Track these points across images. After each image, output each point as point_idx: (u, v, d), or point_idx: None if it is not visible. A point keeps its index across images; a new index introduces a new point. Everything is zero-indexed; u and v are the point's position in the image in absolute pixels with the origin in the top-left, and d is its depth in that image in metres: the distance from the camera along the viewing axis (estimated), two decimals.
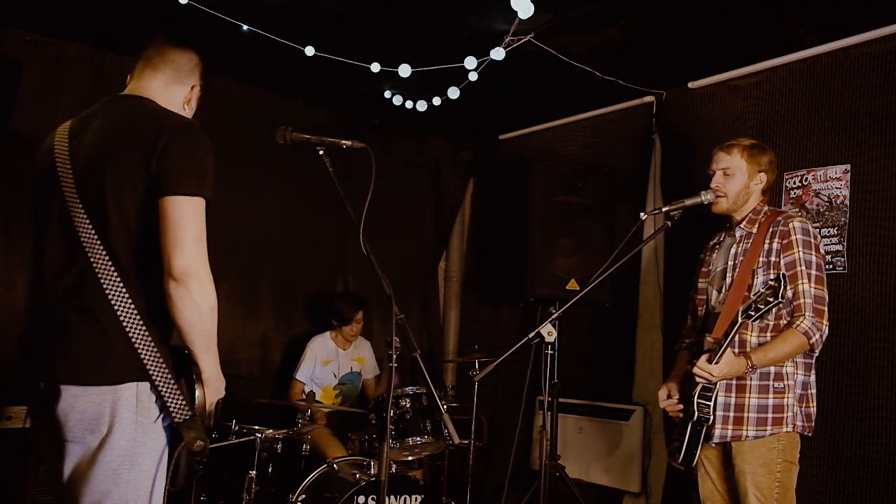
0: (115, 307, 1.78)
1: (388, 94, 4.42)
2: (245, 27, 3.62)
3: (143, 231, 1.82)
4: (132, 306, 1.79)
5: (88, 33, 3.98)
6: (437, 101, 4.27)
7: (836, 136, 3.51)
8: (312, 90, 4.70)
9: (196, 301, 1.77)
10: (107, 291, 1.78)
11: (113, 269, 1.79)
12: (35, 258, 1.93)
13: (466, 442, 4.09)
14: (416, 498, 3.49)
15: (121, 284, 1.79)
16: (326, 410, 4.25)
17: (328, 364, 4.55)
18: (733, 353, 2.59)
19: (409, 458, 3.95)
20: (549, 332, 2.82)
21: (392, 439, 3.59)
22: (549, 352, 4.11)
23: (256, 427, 3.63)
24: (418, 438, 3.64)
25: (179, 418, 1.80)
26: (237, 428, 3.70)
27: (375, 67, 3.93)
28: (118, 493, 1.78)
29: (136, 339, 1.78)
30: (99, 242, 1.80)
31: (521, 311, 4.98)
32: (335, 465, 3.53)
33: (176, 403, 1.80)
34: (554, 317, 2.88)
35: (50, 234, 1.88)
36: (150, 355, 1.78)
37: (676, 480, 3.91)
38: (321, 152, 2.34)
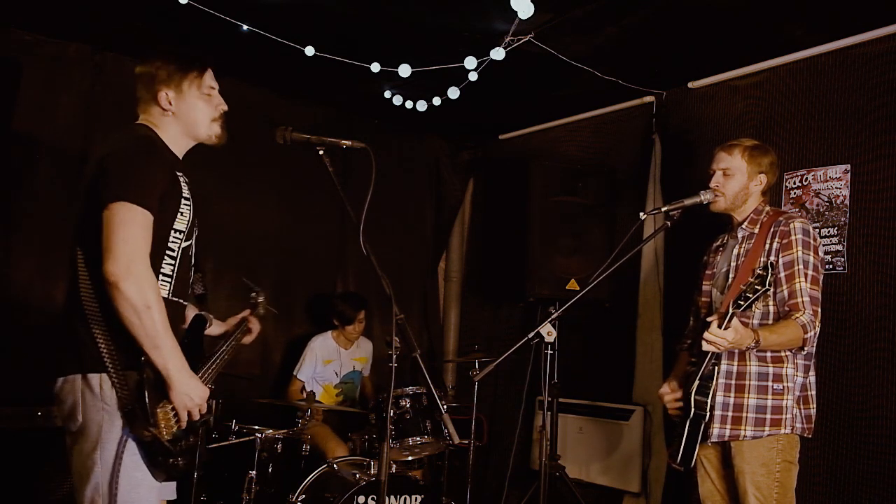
0: (86, 307, 2.00)
1: (388, 94, 4.42)
2: (245, 27, 3.62)
3: (99, 239, 1.98)
4: (97, 306, 1.99)
5: (88, 33, 3.98)
6: (437, 101, 4.27)
7: (836, 136, 3.51)
8: (312, 90, 4.70)
9: (129, 300, 1.91)
10: (81, 296, 2.01)
11: (87, 276, 2.02)
12: None
13: (466, 442, 4.09)
14: (416, 498, 3.50)
15: (91, 288, 2.00)
16: (326, 409, 4.25)
17: (329, 363, 4.55)
18: (742, 322, 2.56)
19: (409, 458, 3.95)
20: (548, 332, 2.82)
21: (392, 439, 3.59)
22: (549, 352, 4.11)
23: (256, 427, 3.63)
24: (418, 438, 3.64)
25: (124, 408, 1.97)
26: (237, 428, 3.70)
27: (375, 67, 3.93)
28: (93, 477, 1.96)
29: (98, 336, 1.98)
30: (81, 256, 2.04)
31: (521, 311, 4.97)
32: (335, 465, 3.54)
33: (122, 394, 1.97)
34: (554, 317, 2.88)
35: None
36: (107, 349, 1.98)
37: (676, 480, 3.91)
38: (321, 152, 2.35)
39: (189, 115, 2.22)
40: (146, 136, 2.13)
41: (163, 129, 2.20)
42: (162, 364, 1.97)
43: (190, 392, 2.02)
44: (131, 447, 1.97)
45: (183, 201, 2.14)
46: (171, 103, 2.19)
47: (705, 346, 2.54)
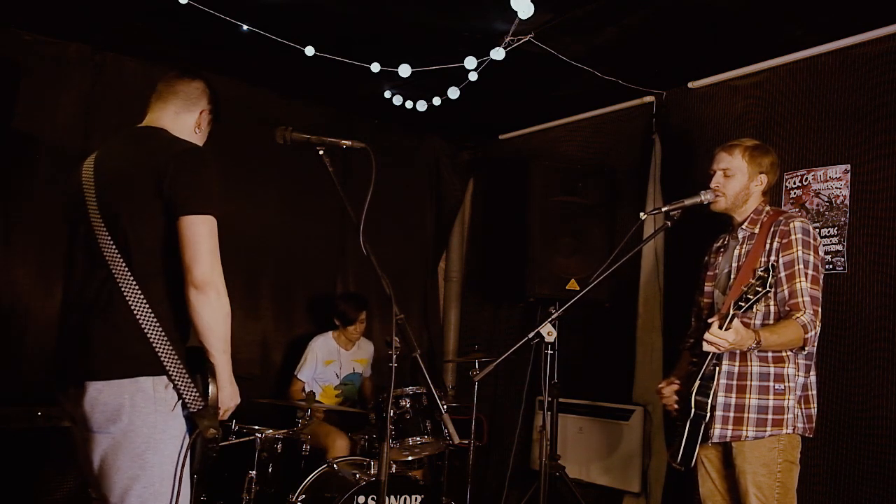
0: (134, 311, 2.01)
1: (388, 94, 4.42)
2: (245, 27, 3.62)
3: (157, 245, 2.05)
4: (149, 310, 2.02)
5: (88, 33, 3.98)
6: (437, 101, 4.27)
7: (836, 136, 3.51)
8: (312, 90, 4.70)
9: (214, 307, 2.02)
10: (126, 297, 2.01)
11: (132, 278, 2.02)
12: (66, 276, 2.20)
13: (466, 442, 4.09)
14: (416, 498, 3.50)
15: (138, 291, 2.02)
16: (326, 409, 4.25)
17: (330, 364, 4.55)
18: (743, 322, 2.55)
19: (409, 458, 3.95)
20: (549, 332, 2.82)
21: (392, 439, 3.59)
22: (549, 352, 4.11)
23: (256, 427, 3.63)
24: (418, 438, 3.64)
25: (193, 408, 2.03)
26: (237, 428, 3.70)
27: (375, 67, 3.93)
28: (146, 477, 1.99)
29: (153, 338, 2.01)
30: (119, 257, 2.04)
31: (521, 311, 4.97)
32: (335, 465, 3.54)
33: (190, 395, 2.03)
34: (554, 317, 2.88)
35: (77, 253, 2.14)
36: (166, 352, 2.01)
37: (676, 480, 3.91)
38: (321, 152, 2.36)
39: (200, 142, 2.36)
40: (204, 148, 2.23)
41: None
42: (223, 366, 2.08)
43: (235, 394, 2.16)
44: (185, 444, 2.04)
45: None
46: (203, 123, 2.35)
47: (706, 347, 2.55)
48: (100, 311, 2.03)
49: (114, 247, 2.05)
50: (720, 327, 2.48)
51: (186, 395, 2.03)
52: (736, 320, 2.48)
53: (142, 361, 2.00)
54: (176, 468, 2.01)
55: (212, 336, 2.03)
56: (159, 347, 2.00)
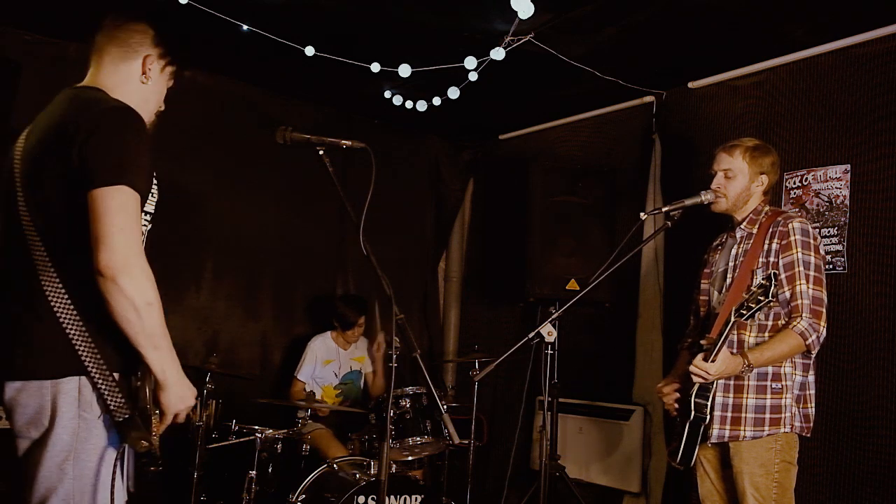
0: (52, 302, 1.74)
1: (388, 94, 4.42)
2: (245, 27, 3.62)
3: (74, 226, 1.74)
4: (68, 301, 1.74)
5: (88, 33, 3.97)
6: (437, 101, 4.27)
7: (836, 136, 3.51)
8: (312, 90, 4.70)
9: (128, 297, 1.69)
10: (44, 287, 1.74)
11: (50, 265, 1.75)
12: None
13: (466, 442, 4.09)
14: (416, 498, 3.50)
15: (57, 280, 1.75)
16: (327, 409, 4.26)
17: (329, 364, 4.55)
18: (730, 351, 2.60)
19: (409, 458, 3.95)
20: (549, 332, 2.82)
21: (392, 439, 3.59)
22: (549, 352, 4.11)
23: (256, 427, 3.64)
24: (418, 438, 3.64)
25: (119, 417, 1.75)
26: (237, 428, 3.70)
27: (375, 67, 3.93)
28: (63, 490, 1.74)
29: (73, 334, 1.73)
30: (38, 239, 1.77)
31: (521, 311, 4.98)
32: (335, 465, 3.54)
33: (115, 401, 1.75)
34: (554, 317, 2.88)
35: (6, 235, 1.85)
36: (88, 350, 1.74)
37: (676, 480, 3.91)
38: (321, 152, 2.34)
39: (153, 93, 2.06)
40: (129, 108, 1.85)
41: (124, 98, 1.93)
42: (160, 366, 1.76)
43: (185, 394, 1.83)
44: (111, 457, 1.77)
45: (153, 180, 1.94)
46: (150, 71, 2.02)
47: (693, 378, 2.61)
48: (21, 304, 1.77)
49: (32, 228, 1.77)
50: (706, 359, 2.54)
51: (111, 401, 1.73)
52: (723, 351, 2.54)
53: (63, 361, 1.73)
54: (97, 481, 1.74)
55: (132, 331, 1.70)
56: (79, 344, 1.73)
